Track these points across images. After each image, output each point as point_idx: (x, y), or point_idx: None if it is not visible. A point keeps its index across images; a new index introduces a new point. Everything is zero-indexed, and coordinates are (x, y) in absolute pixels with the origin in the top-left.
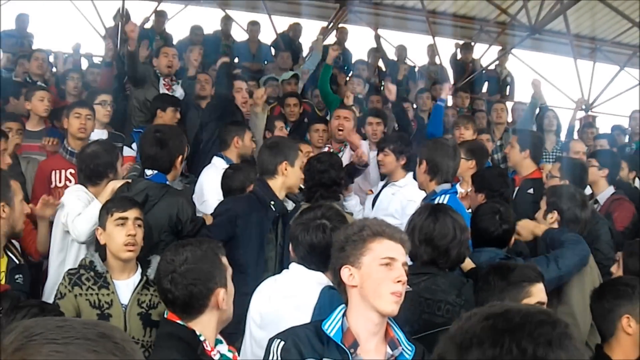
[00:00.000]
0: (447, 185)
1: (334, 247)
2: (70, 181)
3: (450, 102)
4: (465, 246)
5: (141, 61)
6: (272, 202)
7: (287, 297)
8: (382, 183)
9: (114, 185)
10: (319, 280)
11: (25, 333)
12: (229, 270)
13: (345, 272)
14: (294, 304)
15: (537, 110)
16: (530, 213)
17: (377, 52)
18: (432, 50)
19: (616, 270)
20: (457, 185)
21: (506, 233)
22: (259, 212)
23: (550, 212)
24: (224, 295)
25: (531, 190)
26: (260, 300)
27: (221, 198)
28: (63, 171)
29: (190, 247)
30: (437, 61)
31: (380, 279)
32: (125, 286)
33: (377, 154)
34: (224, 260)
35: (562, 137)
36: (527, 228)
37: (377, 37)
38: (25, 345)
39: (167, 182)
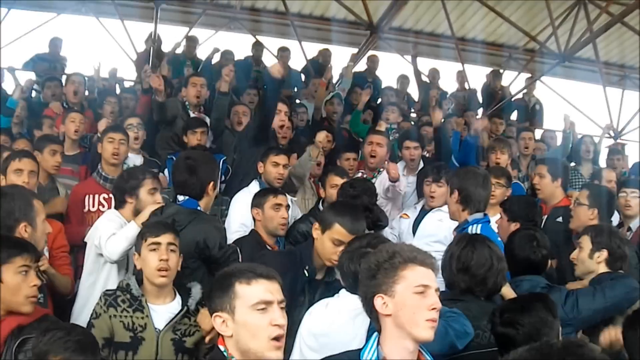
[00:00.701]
0: (479, 215)
1: (364, 275)
2: (103, 206)
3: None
4: (502, 276)
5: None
6: (307, 268)
7: (340, 323)
8: (418, 206)
9: (151, 209)
10: None
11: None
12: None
13: (379, 301)
14: (346, 330)
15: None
16: (560, 241)
17: (406, 78)
18: (462, 77)
19: None
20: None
21: (544, 258)
22: (294, 272)
23: (599, 250)
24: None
25: (560, 219)
26: (313, 323)
27: (245, 222)
28: (97, 196)
29: None
30: (467, 87)
31: (415, 307)
32: (161, 311)
33: (428, 184)
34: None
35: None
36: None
37: (414, 57)
38: None
39: (199, 208)
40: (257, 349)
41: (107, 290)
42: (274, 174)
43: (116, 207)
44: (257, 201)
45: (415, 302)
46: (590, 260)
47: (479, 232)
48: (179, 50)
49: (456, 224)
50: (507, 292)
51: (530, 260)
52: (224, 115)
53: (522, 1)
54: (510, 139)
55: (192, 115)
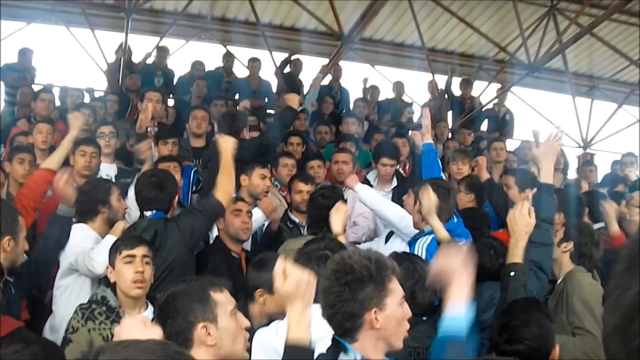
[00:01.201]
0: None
1: (343, 287)
2: None
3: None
4: (432, 291)
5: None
6: None
7: None
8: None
9: (124, 224)
10: None
11: (116, 357)
12: (228, 307)
13: (371, 316)
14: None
15: None
16: None
17: (376, 89)
18: (432, 87)
19: None
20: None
21: (502, 267)
22: None
23: (567, 241)
24: (210, 331)
25: None
26: (269, 336)
27: None
28: None
29: (180, 283)
30: (437, 97)
31: (401, 319)
32: None
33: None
34: (216, 296)
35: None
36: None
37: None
38: None
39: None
40: (238, 351)
41: (81, 304)
42: (262, 186)
43: (85, 221)
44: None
45: (400, 313)
46: (557, 249)
47: (427, 242)
48: (150, 60)
49: None
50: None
51: (486, 268)
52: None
53: (492, 12)
54: (484, 150)
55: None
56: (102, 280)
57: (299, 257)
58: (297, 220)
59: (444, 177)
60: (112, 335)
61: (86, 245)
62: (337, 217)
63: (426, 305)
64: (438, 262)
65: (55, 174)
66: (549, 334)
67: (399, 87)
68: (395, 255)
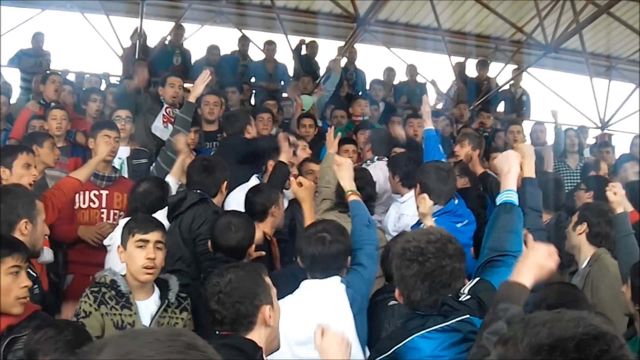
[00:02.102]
0: (435, 208)
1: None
2: (94, 202)
3: (474, 123)
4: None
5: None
6: None
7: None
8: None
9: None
10: (336, 283)
11: (120, 351)
12: (274, 290)
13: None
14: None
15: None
16: None
17: (392, 70)
18: (461, 68)
19: (625, 290)
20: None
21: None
22: None
23: (580, 223)
24: (270, 312)
25: None
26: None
27: None
28: (87, 192)
29: (233, 269)
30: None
31: None
32: (145, 307)
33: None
34: (267, 279)
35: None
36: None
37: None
38: None
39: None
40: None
41: (91, 287)
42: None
43: None
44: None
45: None
46: (573, 232)
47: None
48: (166, 42)
49: (407, 211)
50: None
51: None
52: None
53: None
54: (500, 132)
55: (164, 107)
56: None
57: (301, 241)
58: None
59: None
60: (123, 322)
61: None
62: (343, 174)
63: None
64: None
65: (82, 184)
66: None
67: (412, 69)
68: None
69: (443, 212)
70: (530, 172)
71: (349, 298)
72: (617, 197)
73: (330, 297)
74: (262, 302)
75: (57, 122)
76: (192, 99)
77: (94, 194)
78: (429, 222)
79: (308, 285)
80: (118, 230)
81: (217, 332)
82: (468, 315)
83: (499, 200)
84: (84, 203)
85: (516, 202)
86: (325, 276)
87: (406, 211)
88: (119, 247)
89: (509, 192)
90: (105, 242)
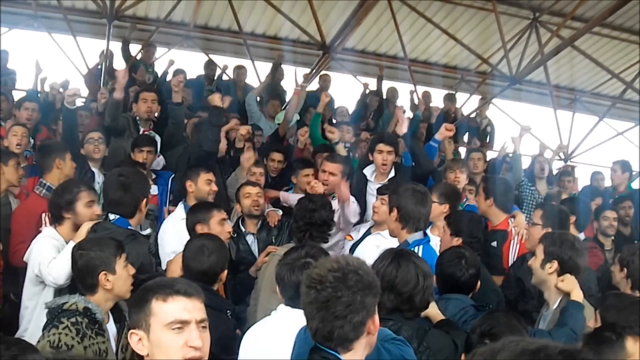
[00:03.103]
0: (419, 235)
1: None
2: None
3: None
4: (430, 292)
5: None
6: None
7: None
8: (363, 228)
9: (88, 226)
10: None
11: None
12: None
13: (371, 323)
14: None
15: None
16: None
17: (377, 95)
18: (427, 98)
19: (593, 323)
20: (428, 231)
21: (473, 278)
22: None
23: (550, 261)
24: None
25: (494, 244)
26: (254, 346)
27: (175, 250)
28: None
29: None
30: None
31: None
32: (110, 330)
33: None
34: None
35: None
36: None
37: (380, 79)
38: None
39: (131, 227)
40: None
41: (69, 317)
42: (208, 190)
43: (57, 223)
44: (201, 217)
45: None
46: (542, 271)
47: (420, 254)
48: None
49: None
50: (434, 313)
51: (456, 278)
52: (181, 124)
53: (474, 24)
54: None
55: (141, 131)
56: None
57: (281, 269)
58: (243, 230)
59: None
60: (99, 350)
61: (47, 255)
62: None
63: (420, 308)
64: None
65: None
66: None
67: (392, 92)
68: (395, 253)
69: (425, 242)
70: (577, 296)
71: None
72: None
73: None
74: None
75: (17, 138)
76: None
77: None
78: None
79: (285, 313)
80: (34, 248)
81: None
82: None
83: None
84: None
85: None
86: None
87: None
88: (104, 273)
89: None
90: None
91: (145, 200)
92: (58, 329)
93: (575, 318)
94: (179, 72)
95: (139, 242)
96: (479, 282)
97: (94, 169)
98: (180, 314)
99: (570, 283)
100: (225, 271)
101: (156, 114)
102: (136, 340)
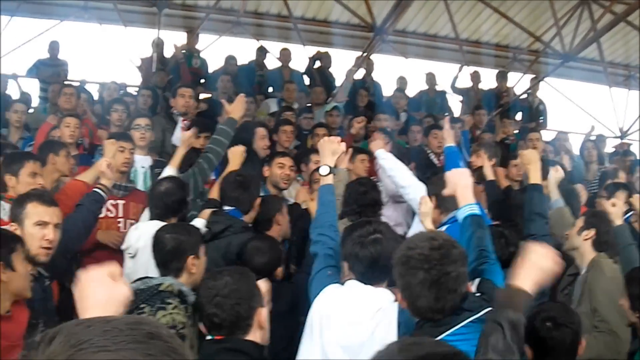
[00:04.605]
0: (450, 215)
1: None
2: (111, 212)
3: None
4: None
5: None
6: None
7: (365, 321)
8: None
9: (204, 215)
10: (391, 298)
11: (72, 341)
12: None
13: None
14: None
15: None
16: None
17: (404, 79)
18: (476, 77)
19: (624, 301)
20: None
21: (512, 256)
22: None
23: (588, 229)
24: (264, 315)
25: None
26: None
27: None
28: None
29: (227, 272)
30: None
31: None
32: None
33: None
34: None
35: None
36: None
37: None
38: (74, 355)
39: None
40: None
41: (170, 297)
42: (281, 175)
43: (165, 220)
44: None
45: None
46: (578, 237)
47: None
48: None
49: None
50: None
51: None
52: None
53: (525, 2)
54: (519, 141)
55: (181, 121)
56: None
57: (352, 245)
58: None
59: None
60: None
61: None
62: (324, 149)
63: None
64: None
65: (88, 187)
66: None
67: (430, 78)
68: None
69: (454, 220)
70: (536, 178)
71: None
72: (616, 209)
73: (382, 310)
74: (258, 305)
75: (70, 129)
76: (236, 116)
77: (111, 204)
78: (428, 224)
79: (359, 289)
80: (133, 233)
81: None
82: (491, 308)
83: (463, 214)
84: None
85: (479, 212)
86: (378, 282)
87: None
88: (193, 256)
89: (471, 206)
90: (123, 246)
91: (259, 199)
92: (167, 310)
93: (540, 201)
94: (230, 58)
95: (250, 234)
96: None
97: (137, 156)
98: None
99: (530, 157)
100: (280, 268)
101: (194, 109)
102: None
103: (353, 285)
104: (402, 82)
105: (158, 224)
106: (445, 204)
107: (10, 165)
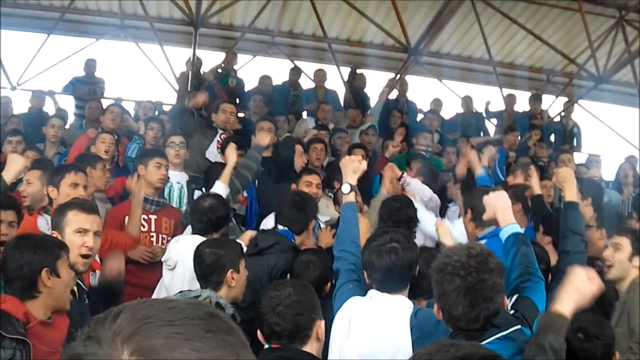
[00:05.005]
0: (487, 231)
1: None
2: (143, 226)
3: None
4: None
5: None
6: None
7: (380, 327)
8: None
9: (252, 233)
10: (408, 304)
11: (138, 316)
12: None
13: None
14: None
15: None
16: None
17: (439, 101)
18: (511, 100)
19: None
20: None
21: (544, 273)
22: None
23: (638, 254)
24: (323, 328)
25: None
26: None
27: None
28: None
29: (289, 284)
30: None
31: None
32: None
33: None
34: None
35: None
36: None
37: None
38: (141, 328)
39: (293, 241)
40: None
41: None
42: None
43: (207, 235)
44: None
45: None
46: (629, 264)
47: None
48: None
49: None
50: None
51: None
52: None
53: (560, 24)
54: (551, 162)
55: (219, 134)
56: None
57: (369, 254)
58: None
59: None
60: None
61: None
62: (348, 165)
63: None
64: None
65: (137, 242)
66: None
67: (467, 101)
68: None
69: (494, 234)
70: (571, 196)
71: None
72: None
73: (396, 316)
74: (318, 317)
75: (105, 145)
76: (262, 143)
77: (144, 218)
78: (448, 241)
79: (377, 297)
80: (174, 246)
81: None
82: (520, 326)
83: (506, 233)
84: None
85: (521, 231)
86: (396, 290)
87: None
88: (233, 271)
89: (513, 225)
90: (163, 258)
91: (314, 220)
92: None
93: (576, 218)
94: (265, 78)
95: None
96: (549, 277)
97: (172, 171)
98: None
99: (565, 175)
100: (329, 282)
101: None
102: (321, 329)
103: (373, 295)
104: (436, 104)
105: (199, 239)
106: (480, 218)
107: (51, 177)
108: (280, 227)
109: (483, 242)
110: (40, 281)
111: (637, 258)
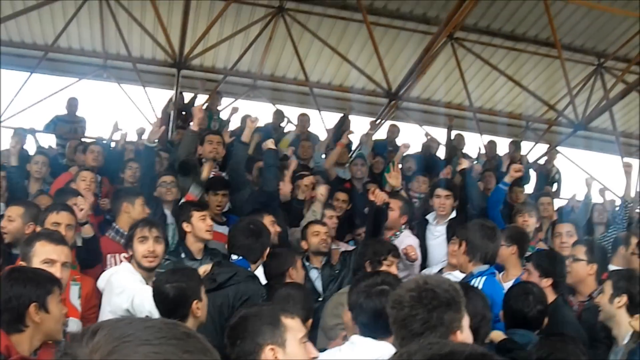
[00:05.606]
0: (484, 267)
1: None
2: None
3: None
4: (490, 325)
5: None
6: None
7: None
8: (436, 268)
9: (206, 267)
10: (390, 351)
11: (116, 334)
12: None
13: (456, 337)
14: None
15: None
16: None
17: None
18: (491, 147)
19: None
20: (500, 277)
21: (540, 314)
22: None
23: (618, 295)
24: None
25: None
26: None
27: None
28: (117, 255)
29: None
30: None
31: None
32: None
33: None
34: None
35: None
36: None
37: (450, 129)
38: (119, 347)
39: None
40: None
41: None
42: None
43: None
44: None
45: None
46: (610, 305)
47: (481, 286)
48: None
49: None
50: (496, 334)
51: (523, 314)
52: (241, 162)
53: (539, 71)
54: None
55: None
56: None
57: (357, 295)
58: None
59: None
60: None
61: (141, 287)
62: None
63: (481, 340)
64: None
65: None
66: None
67: (459, 140)
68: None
69: (489, 273)
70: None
71: None
72: None
73: None
74: (266, 342)
75: (85, 183)
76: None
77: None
78: None
79: (360, 344)
80: (124, 284)
81: None
82: None
83: None
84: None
85: None
86: (382, 336)
87: None
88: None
89: None
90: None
91: (269, 249)
92: None
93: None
94: (247, 117)
95: (255, 282)
96: (546, 319)
97: (166, 211)
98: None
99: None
100: (311, 320)
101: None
102: (272, 355)
103: (355, 340)
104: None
105: (127, 269)
106: (475, 252)
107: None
108: (234, 257)
109: (481, 278)
110: (28, 316)
111: (617, 298)
